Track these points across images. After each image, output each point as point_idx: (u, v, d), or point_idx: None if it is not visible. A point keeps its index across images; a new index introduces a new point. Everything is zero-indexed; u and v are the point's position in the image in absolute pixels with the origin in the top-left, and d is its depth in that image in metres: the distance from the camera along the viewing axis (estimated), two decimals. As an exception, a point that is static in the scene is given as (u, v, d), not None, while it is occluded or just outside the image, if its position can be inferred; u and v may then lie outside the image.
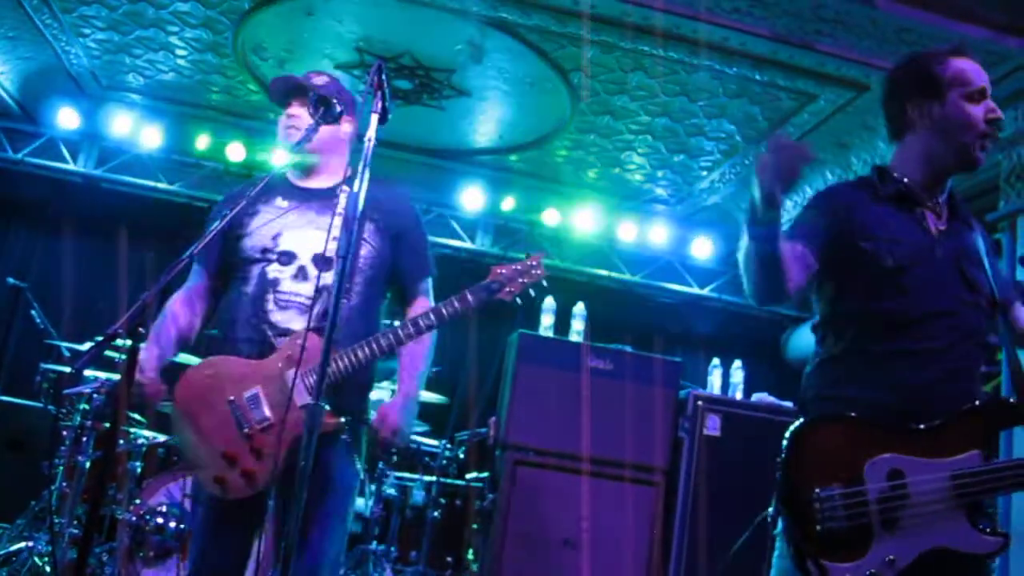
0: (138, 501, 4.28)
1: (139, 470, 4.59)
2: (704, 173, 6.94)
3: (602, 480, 4.31)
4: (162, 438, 4.67)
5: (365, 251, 2.56)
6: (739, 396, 4.80)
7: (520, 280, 2.49)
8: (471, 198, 7.55)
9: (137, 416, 4.89)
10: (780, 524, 2.02)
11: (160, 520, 4.18)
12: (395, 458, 5.22)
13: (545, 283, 2.54)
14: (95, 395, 4.57)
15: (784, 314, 7.66)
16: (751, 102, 5.78)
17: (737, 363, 5.03)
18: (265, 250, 2.55)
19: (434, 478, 5.27)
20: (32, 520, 4.73)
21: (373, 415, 2.65)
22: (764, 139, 6.23)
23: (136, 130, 7.16)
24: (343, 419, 2.44)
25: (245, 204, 2.41)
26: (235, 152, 7.20)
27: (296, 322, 2.47)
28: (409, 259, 2.69)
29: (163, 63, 6.36)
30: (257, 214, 2.59)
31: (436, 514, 5.19)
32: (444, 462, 5.33)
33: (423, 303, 2.70)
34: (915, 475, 1.91)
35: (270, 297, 2.50)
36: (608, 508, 4.28)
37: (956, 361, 2.06)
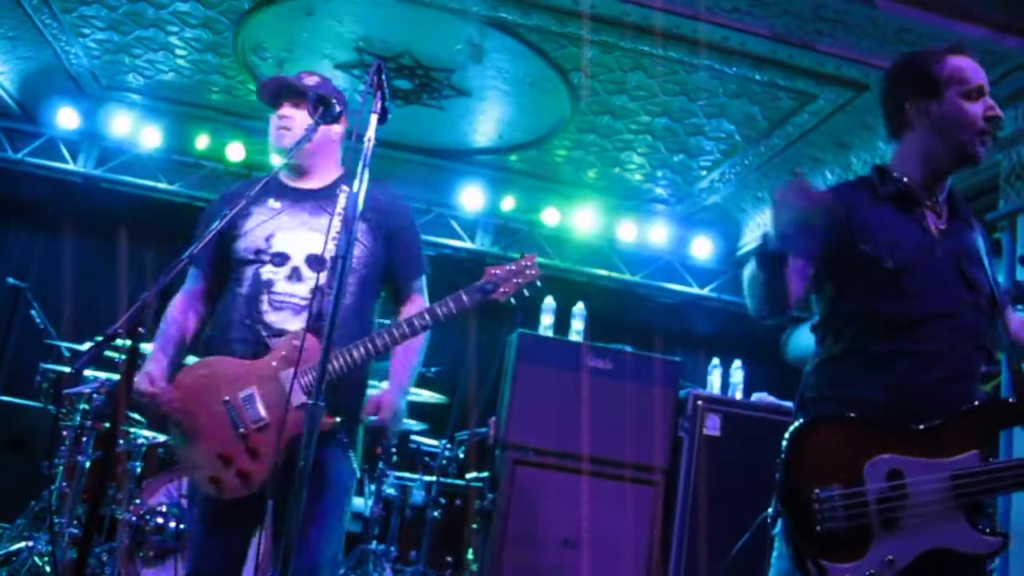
0: (138, 501, 4.28)
1: (139, 470, 4.59)
2: (704, 173, 6.95)
3: (602, 480, 4.31)
4: (162, 438, 4.66)
5: (358, 251, 2.56)
6: (739, 396, 4.80)
7: (514, 280, 2.49)
8: (471, 198, 7.55)
9: (137, 416, 4.89)
10: (779, 524, 2.02)
11: (160, 520, 4.18)
12: (395, 458, 5.21)
13: (540, 283, 2.54)
14: (95, 395, 4.57)
15: (784, 314, 7.66)
16: (751, 102, 5.79)
17: (737, 363, 5.03)
18: (258, 251, 2.55)
19: (434, 478, 5.27)
20: (32, 520, 4.73)
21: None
22: (764, 139, 6.24)
23: (136, 130, 7.16)
24: (339, 419, 2.44)
25: (239, 203, 2.40)
26: (235, 152, 7.21)
27: (290, 323, 2.48)
28: (402, 258, 2.70)
29: (163, 63, 6.37)
30: (250, 215, 2.59)
31: (436, 514, 5.19)
32: (444, 462, 5.34)
33: (417, 301, 2.70)
34: (914, 475, 1.91)
35: (264, 298, 2.51)
36: (608, 508, 4.28)
37: (957, 361, 2.05)
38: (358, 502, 5.32)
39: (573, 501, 4.25)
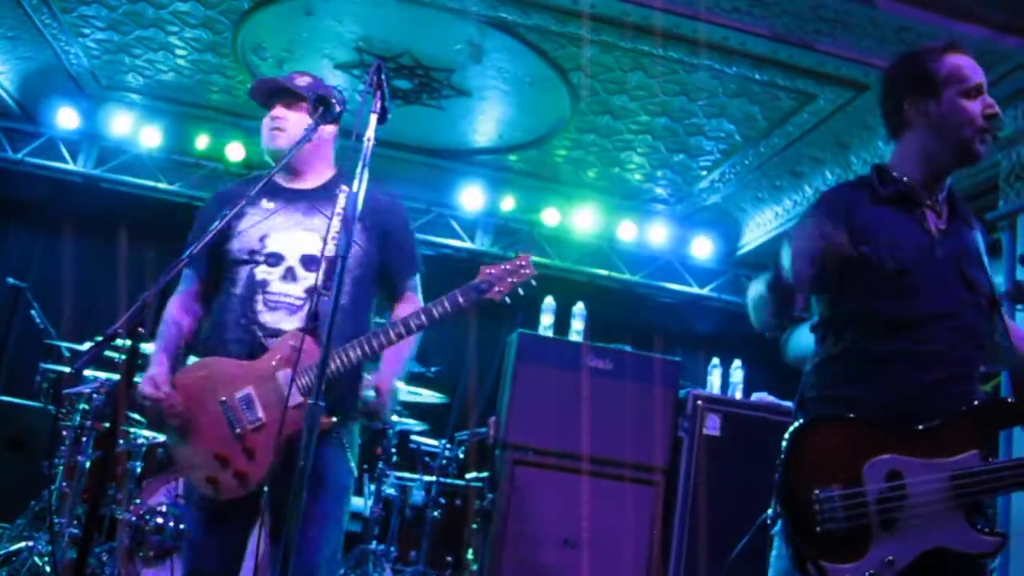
0: (138, 501, 4.28)
1: (139, 470, 4.59)
2: (704, 173, 6.94)
3: (602, 480, 4.31)
4: (162, 438, 4.66)
5: (353, 251, 2.56)
6: (739, 396, 4.80)
7: (509, 280, 2.49)
8: (471, 198, 7.55)
9: (137, 416, 4.89)
10: (779, 524, 2.02)
11: (160, 520, 4.18)
12: (395, 458, 5.22)
13: (538, 283, 2.54)
14: (95, 395, 4.57)
15: (784, 314, 7.65)
16: (751, 102, 5.79)
17: (737, 363, 5.03)
18: (252, 251, 2.55)
19: (434, 478, 5.27)
20: (32, 520, 4.73)
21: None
22: (764, 139, 6.24)
23: (136, 130, 7.16)
24: (335, 418, 2.45)
25: (239, 204, 2.40)
26: (234, 152, 7.21)
27: (286, 323, 2.48)
28: (397, 258, 2.70)
29: (163, 63, 6.37)
30: (244, 216, 2.58)
31: (436, 514, 5.19)
32: (444, 462, 5.34)
33: (412, 300, 2.71)
34: (914, 476, 1.91)
35: (259, 298, 2.50)
36: (608, 508, 4.28)
37: (957, 362, 2.05)
38: (358, 502, 5.33)
39: (573, 501, 4.25)
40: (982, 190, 5.20)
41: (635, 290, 7.99)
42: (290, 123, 2.63)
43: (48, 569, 4.30)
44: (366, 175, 2.14)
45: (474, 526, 5.03)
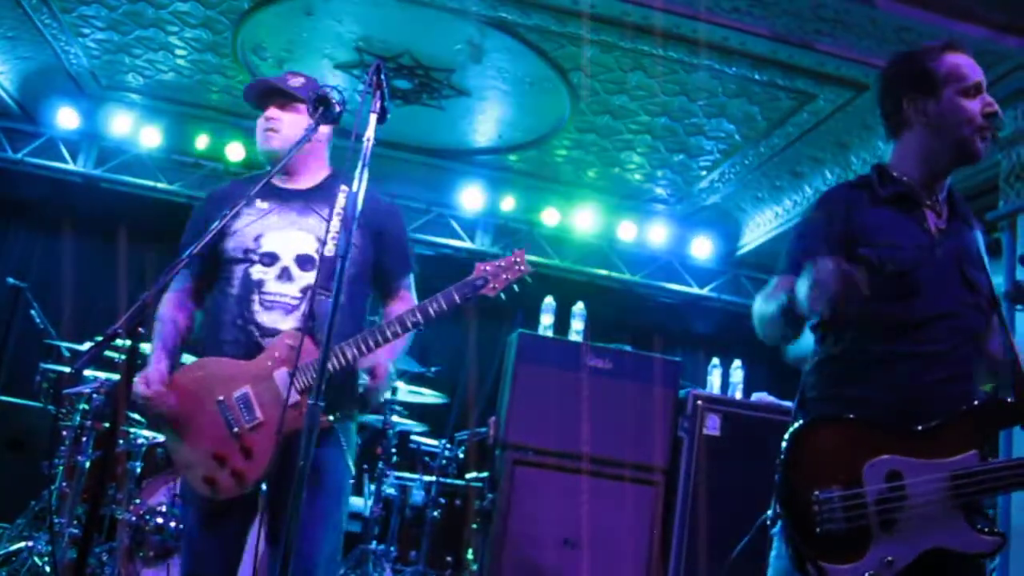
0: (138, 501, 4.28)
1: (139, 470, 4.59)
2: (704, 173, 6.94)
3: (602, 480, 4.31)
4: (162, 438, 4.66)
5: (337, 246, 2.55)
6: (739, 396, 4.80)
7: (504, 276, 2.50)
8: (471, 198, 7.55)
9: (137, 416, 4.89)
10: (778, 525, 2.02)
11: (160, 520, 4.18)
12: (395, 458, 5.22)
13: (533, 281, 2.54)
14: (95, 395, 4.57)
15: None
16: (750, 102, 5.79)
17: (736, 363, 5.03)
18: (247, 251, 2.55)
19: (434, 478, 5.27)
20: (32, 520, 4.73)
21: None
22: (763, 139, 6.24)
23: (136, 130, 7.16)
24: (332, 417, 2.45)
25: (238, 203, 2.40)
26: (234, 152, 7.21)
27: (282, 322, 2.48)
28: (391, 257, 2.70)
29: (163, 63, 6.37)
30: (239, 215, 2.58)
31: (436, 514, 5.19)
32: (444, 462, 5.34)
33: (406, 298, 2.71)
34: (913, 476, 1.91)
35: (255, 298, 2.51)
36: (608, 508, 4.28)
37: (957, 362, 2.05)
38: (358, 502, 5.33)
39: (573, 501, 4.25)
40: (982, 190, 5.20)
41: (635, 290, 7.99)
42: (284, 124, 2.64)
43: (48, 569, 4.30)
44: (366, 175, 2.14)
45: (474, 526, 5.03)
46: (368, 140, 2.18)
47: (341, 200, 2.53)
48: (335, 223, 2.53)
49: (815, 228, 2.18)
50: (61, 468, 4.61)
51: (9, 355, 7.01)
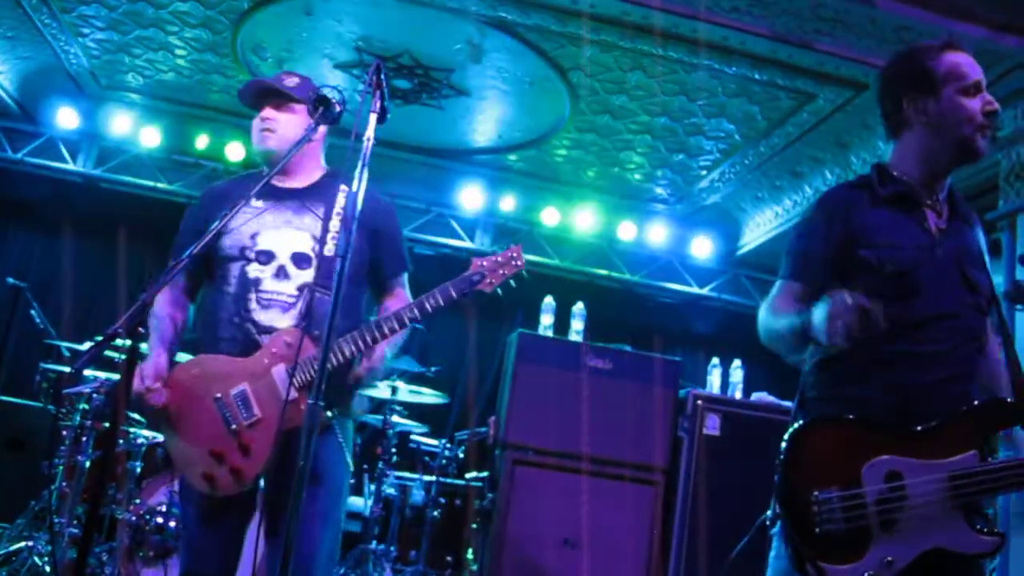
0: (138, 501, 4.29)
1: (139, 470, 4.59)
2: (703, 172, 6.95)
3: (602, 480, 4.31)
4: (162, 438, 4.66)
5: (337, 245, 2.56)
6: (738, 395, 4.80)
7: (500, 272, 2.50)
8: (470, 198, 7.55)
9: (137, 416, 4.90)
10: (778, 525, 2.02)
11: (160, 520, 4.19)
12: (395, 458, 5.22)
13: (526, 274, 2.54)
14: (95, 395, 4.57)
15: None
16: (750, 101, 5.79)
17: (736, 362, 5.03)
18: (243, 248, 2.56)
19: (434, 478, 5.27)
20: (32, 520, 4.73)
21: (357, 406, 2.67)
22: (763, 138, 6.24)
23: (135, 130, 7.16)
24: (329, 414, 2.45)
25: (236, 202, 2.40)
26: (234, 152, 7.21)
27: (279, 320, 2.49)
28: (386, 256, 2.71)
29: (162, 63, 6.37)
30: (235, 213, 2.59)
31: (436, 514, 5.19)
32: (444, 462, 5.34)
33: (400, 295, 2.72)
34: (913, 477, 1.91)
35: (252, 296, 2.51)
36: (608, 508, 4.28)
37: (957, 362, 2.05)
38: (358, 502, 5.33)
39: (573, 501, 4.25)
40: (982, 190, 5.21)
41: (635, 290, 7.99)
42: (280, 124, 2.64)
43: (48, 569, 4.30)
44: (366, 175, 2.14)
45: (474, 526, 5.03)
46: (368, 140, 2.18)
47: (341, 200, 2.54)
48: (335, 222, 2.54)
49: (815, 229, 2.18)
50: (61, 468, 4.61)
51: (9, 355, 7.00)
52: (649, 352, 4.73)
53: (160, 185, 7.41)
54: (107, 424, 4.59)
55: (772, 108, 5.83)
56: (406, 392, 5.12)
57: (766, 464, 2.11)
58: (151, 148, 7.24)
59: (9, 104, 7.11)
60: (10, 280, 5.70)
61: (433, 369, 5.39)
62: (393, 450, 5.18)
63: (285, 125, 2.64)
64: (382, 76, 2.23)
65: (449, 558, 5.33)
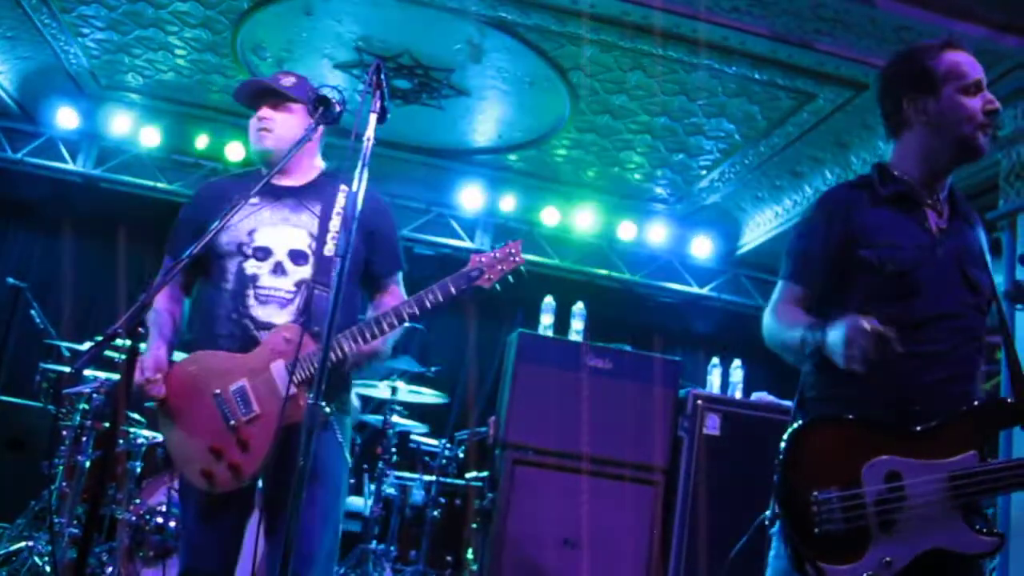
0: (138, 501, 4.29)
1: (139, 470, 4.59)
2: (703, 172, 6.94)
3: (602, 479, 4.31)
4: (162, 438, 4.66)
5: (337, 245, 2.56)
6: (738, 395, 4.80)
7: (499, 267, 2.50)
8: (470, 198, 7.55)
9: (137, 416, 4.90)
10: (777, 525, 2.02)
11: (160, 520, 4.19)
12: (395, 458, 5.22)
13: (524, 269, 2.54)
14: (95, 395, 4.57)
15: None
16: (750, 101, 5.78)
17: (736, 362, 5.03)
18: (240, 245, 2.56)
19: (434, 477, 5.27)
20: (32, 520, 4.73)
21: (355, 403, 2.67)
22: (763, 138, 6.24)
23: (135, 130, 7.16)
24: (328, 409, 2.45)
25: (235, 200, 2.41)
26: (234, 152, 7.21)
27: (277, 316, 2.50)
28: (381, 255, 2.71)
29: (162, 63, 6.37)
30: (232, 210, 2.59)
31: (436, 513, 5.19)
32: (444, 461, 5.34)
33: (395, 293, 2.72)
34: (913, 477, 1.91)
35: (250, 292, 2.52)
36: (608, 508, 4.28)
37: (957, 362, 2.05)
38: (358, 502, 5.33)
39: (573, 501, 4.25)
40: (982, 189, 5.21)
41: (635, 290, 7.99)
42: (277, 124, 2.65)
43: (48, 569, 4.30)
44: (366, 175, 2.14)
45: (474, 526, 5.03)
46: (368, 140, 2.18)
47: (341, 200, 2.55)
48: (335, 222, 2.55)
49: (815, 229, 2.18)
50: (61, 468, 4.61)
51: (9, 355, 7.00)
52: (649, 352, 4.73)
53: (160, 185, 7.40)
54: (107, 424, 4.59)
55: (772, 108, 5.83)
56: (406, 392, 5.13)
57: (766, 464, 2.11)
58: (151, 148, 7.24)
59: (9, 104, 7.11)
60: (10, 280, 5.70)
61: (433, 369, 5.39)
62: (393, 450, 5.18)
63: (282, 125, 2.65)
64: (382, 76, 2.23)
65: (449, 558, 5.33)
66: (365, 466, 5.38)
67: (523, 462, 4.28)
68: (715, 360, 5.06)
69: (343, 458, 2.56)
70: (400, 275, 2.77)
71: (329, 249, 2.51)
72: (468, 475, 5.52)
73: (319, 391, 1.98)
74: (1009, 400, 2.04)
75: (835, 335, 1.92)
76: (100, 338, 2.03)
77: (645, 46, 5.31)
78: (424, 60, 5.90)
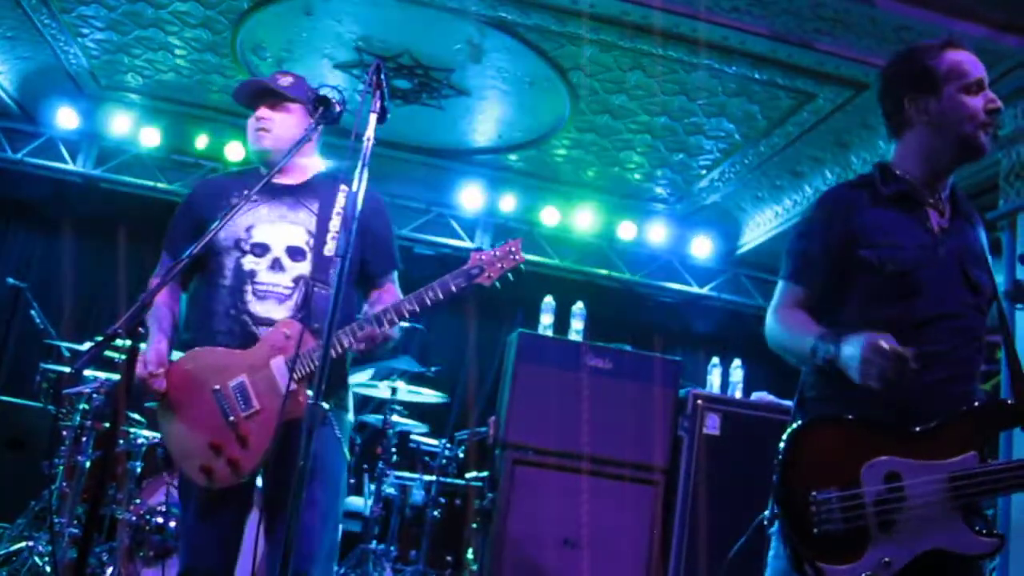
0: (138, 501, 4.29)
1: (139, 470, 4.59)
2: (703, 172, 6.94)
3: (602, 479, 4.31)
4: (161, 435, 4.65)
5: (337, 245, 2.57)
6: (738, 395, 4.80)
7: (499, 265, 2.50)
8: (470, 198, 7.55)
9: (137, 416, 4.90)
10: (776, 525, 2.02)
11: (160, 520, 4.19)
12: (395, 457, 5.22)
13: (523, 267, 2.54)
14: (95, 395, 4.57)
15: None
16: (750, 101, 5.78)
17: (736, 362, 5.03)
18: (238, 241, 2.57)
19: (434, 477, 5.27)
20: (32, 520, 4.73)
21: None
22: (763, 138, 6.24)
23: (135, 130, 7.16)
24: (326, 405, 2.45)
25: (234, 199, 2.41)
26: (234, 151, 7.21)
27: (275, 312, 2.50)
28: (376, 254, 2.72)
29: (162, 63, 6.37)
30: (229, 207, 2.60)
31: (436, 513, 5.19)
32: (444, 461, 5.33)
33: (391, 291, 2.73)
34: (912, 477, 1.91)
35: (248, 288, 2.53)
36: (608, 507, 4.28)
37: (957, 362, 2.05)
38: (358, 502, 5.33)
39: (573, 501, 4.25)
40: (982, 189, 5.20)
41: (635, 290, 7.99)
42: (275, 123, 2.66)
43: (48, 569, 4.30)
44: (365, 175, 2.14)
45: (474, 526, 5.03)
46: (368, 140, 2.18)
47: (341, 200, 2.56)
48: (335, 222, 2.56)
49: (815, 228, 2.18)
50: (61, 468, 4.61)
51: (9, 355, 7.00)
52: (649, 352, 4.73)
53: (160, 185, 7.40)
54: (107, 424, 4.59)
55: (772, 108, 5.83)
56: (406, 392, 5.13)
57: (766, 464, 2.11)
58: (151, 148, 7.24)
59: (9, 104, 7.11)
60: (10, 280, 5.70)
61: (433, 369, 5.39)
62: (393, 450, 5.18)
63: (280, 124, 2.66)
64: (382, 76, 2.23)
65: (449, 558, 5.33)
66: (365, 466, 5.37)
67: (523, 462, 4.28)
68: (715, 360, 5.06)
69: (342, 454, 2.57)
70: (396, 274, 2.78)
71: (329, 248, 2.52)
72: (468, 475, 5.52)
73: (319, 390, 1.98)
74: (1009, 401, 2.04)
75: (850, 351, 1.91)
76: (100, 338, 2.03)
77: (645, 46, 5.31)
78: (424, 60, 5.90)
